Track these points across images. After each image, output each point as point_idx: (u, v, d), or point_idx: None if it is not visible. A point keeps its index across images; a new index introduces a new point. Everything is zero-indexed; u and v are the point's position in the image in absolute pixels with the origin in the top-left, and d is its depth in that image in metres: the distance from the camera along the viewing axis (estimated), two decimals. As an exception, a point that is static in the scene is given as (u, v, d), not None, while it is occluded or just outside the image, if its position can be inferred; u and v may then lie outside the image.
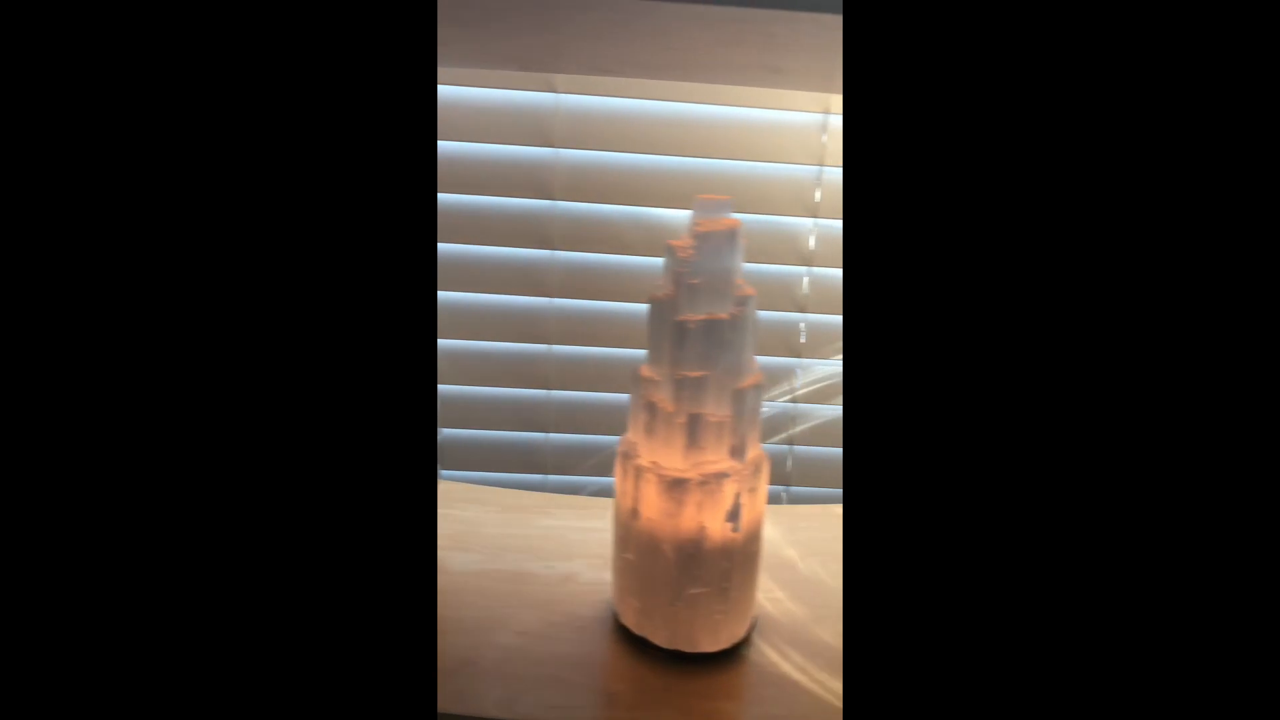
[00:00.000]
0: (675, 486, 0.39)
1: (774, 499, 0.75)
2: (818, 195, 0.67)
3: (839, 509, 0.62)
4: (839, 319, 0.70)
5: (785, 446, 0.73)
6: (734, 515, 0.40)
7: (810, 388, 0.72)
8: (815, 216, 0.67)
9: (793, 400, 0.72)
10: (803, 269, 0.69)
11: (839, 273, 0.69)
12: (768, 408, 0.72)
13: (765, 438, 0.73)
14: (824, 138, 0.66)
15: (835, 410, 0.73)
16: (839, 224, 0.68)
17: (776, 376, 0.71)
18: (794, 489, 0.75)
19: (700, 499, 0.39)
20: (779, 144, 0.65)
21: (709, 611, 0.41)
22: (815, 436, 0.73)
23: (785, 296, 0.69)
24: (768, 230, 0.68)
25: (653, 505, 0.40)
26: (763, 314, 0.70)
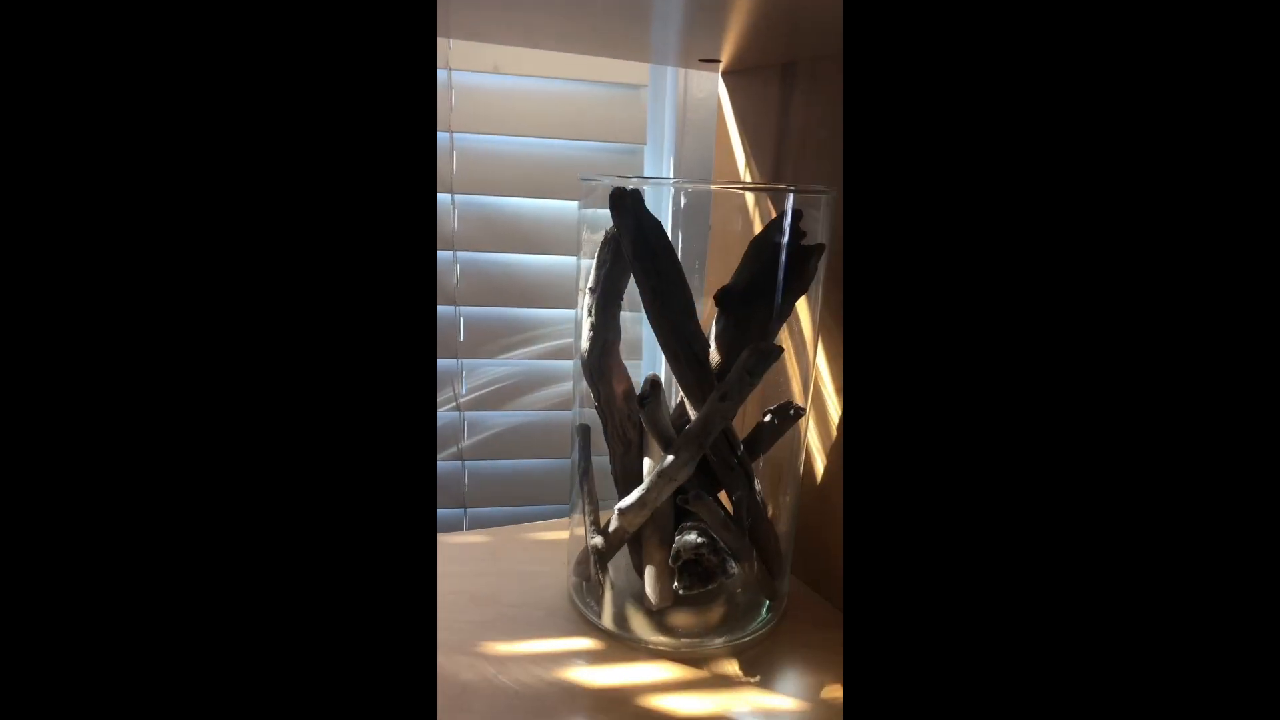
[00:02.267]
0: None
1: (453, 524, 0.65)
2: (454, 166, 0.57)
3: (458, 538, 0.53)
4: (500, 311, 0.61)
5: (457, 462, 0.63)
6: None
7: (477, 393, 0.62)
8: (452, 192, 0.57)
9: (458, 408, 0.62)
10: (449, 254, 0.59)
11: (491, 257, 0.60)
12: (430, 419, 0.62)
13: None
14: (453, 97, 0.56)
15: (509, 418, 0.63)
16: (480, 200, 0.58)
17: (438, 381, 0.61)
18: (474, 510, 0.65)
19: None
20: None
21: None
22: (490, 449, 0.63)
23: (437, 289, 0.59)
24: (403, 210, 0.57)
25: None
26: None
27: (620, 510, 0.40)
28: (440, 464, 0.63)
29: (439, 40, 0.54)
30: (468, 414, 0.62)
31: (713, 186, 0.50)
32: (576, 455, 0.44)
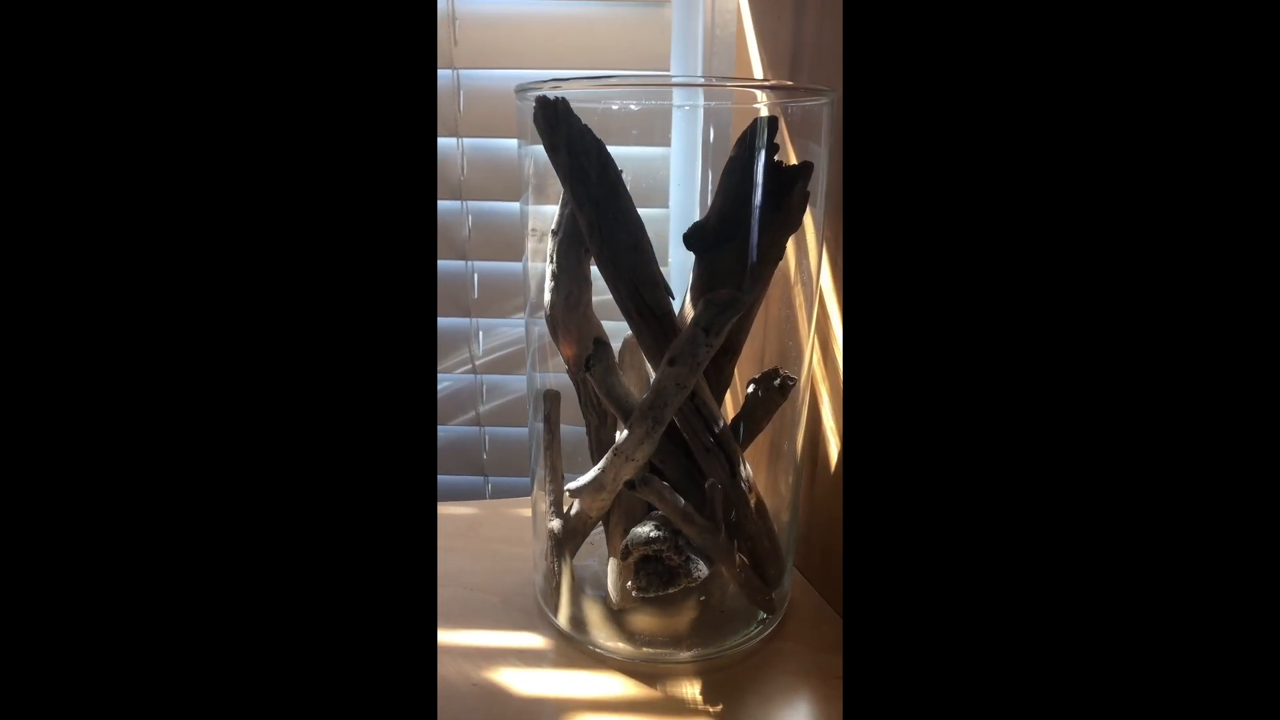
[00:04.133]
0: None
1: (475, 492, 0.61)
2: (459, 107, 0.52)
3: (443, 508, 0.49)
4: (516, 267, 0.56)
5: (475, 428, 0.59)
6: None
7: (494, 355, 0.58)
8: (458, 135, 0.53)
9: (474, 371, 0.58)
10: (457, 204, 0.54)
11: (505, 206, 0.55)
12: (447, 381, 0.58)
13: (449, 418, 0.59)
14: (455, 30, 0.51)
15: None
16: (490, 143, 0.53)
17: (451, 342, 0.57)
18: (496, 480, 0.61)
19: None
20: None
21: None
22: (510, 415, 0.59)
23: (444, 242, 0.55)
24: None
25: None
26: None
27: (571, 491, 0.34)
28: (458, 429, 0.59)
29: (440, -35, 0.49)
30: (485, 377, 0.58)
31: (674, 84, 0.41)
32: (540, 426, 0.38)
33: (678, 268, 0.51)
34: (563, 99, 0.29)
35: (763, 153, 0.29)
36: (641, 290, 0.31)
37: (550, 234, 0.36)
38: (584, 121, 0.30)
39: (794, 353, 0.36)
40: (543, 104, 0.29)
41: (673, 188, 0.53)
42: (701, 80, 0.48)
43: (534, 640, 0.35)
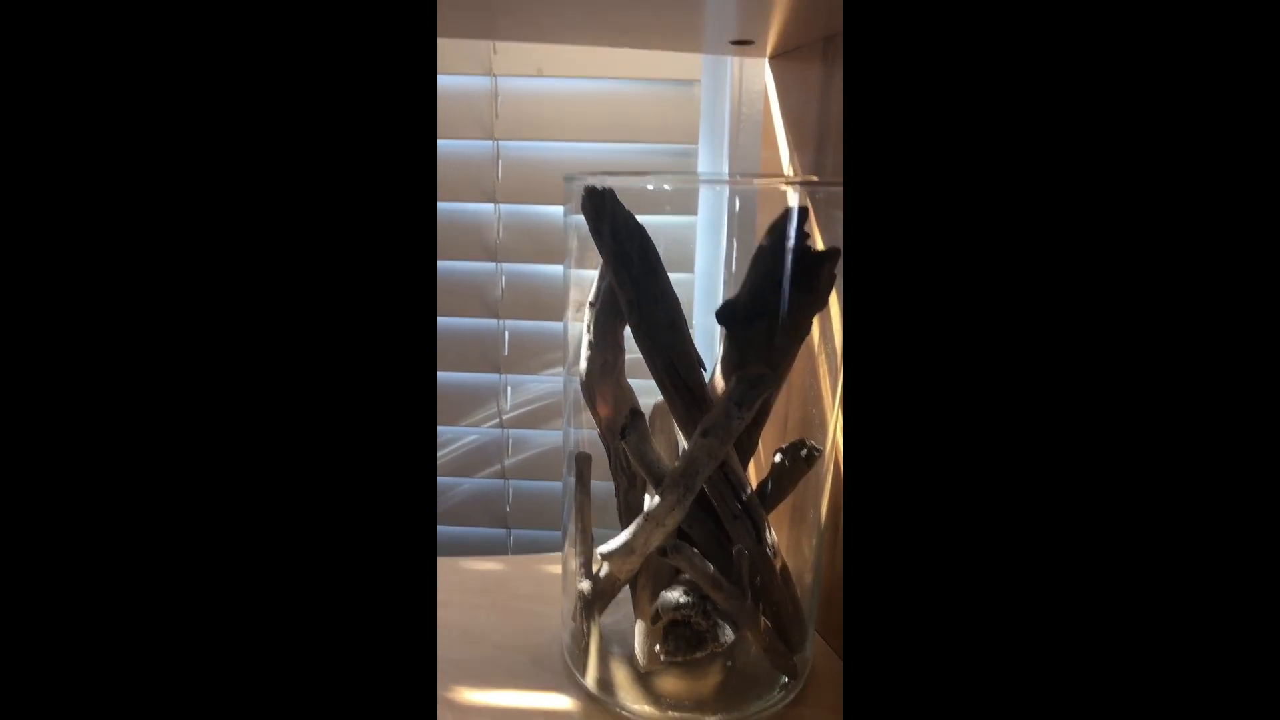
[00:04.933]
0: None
1: (498, 545, 0.62)
2: (498, 174, 0.55)
3: (469, 563, 0.50)
4: (544, 325, 0.58)
5: (500, 481, 0.61)
6: None
7: (521, 410, 0.59)
8: (496, 201, 0.55)
9: (501, 425, 0.59)
10: (492, 265, 0.57)
11: (534, 269, 0.57)
12: (475, 435, 0.60)
13: (475, 470, 0.61)
14: (497, 104, 0.54)
15: (554, 436, 0.60)
16: (523, 209, 0.56)
17: (480, 397, 0.59)
18: (518, 532, 0.62)
19: None
20: (446, 116, 0.54)
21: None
22: (534, 468, 0.60)
23: (477, 301, 0.57)
24: (447, 221, 0.56)
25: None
26: (457, 322, 0.58)
27: (603, 555, 0.36)
28: (484, 482, 0.61)
29: (484, 44, 0.53)
30: (511, 431, 0.60)
31: (699, 180, 0.44)
32: (573, 487, 0.40)
33: (703, 331, 0.53)
34: (609, 189, 0.31)
35: (793, 239, 0.31)
36: (677, 365, 0.32)
37: (588, 305, 0.38)
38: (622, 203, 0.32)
39: (817, 420, 0.38)
40: (590, 193, 0.31)
41: (698, 255, 0.55)
42: (729, 179, 0.51)
43: (561, 701, 0.36)
